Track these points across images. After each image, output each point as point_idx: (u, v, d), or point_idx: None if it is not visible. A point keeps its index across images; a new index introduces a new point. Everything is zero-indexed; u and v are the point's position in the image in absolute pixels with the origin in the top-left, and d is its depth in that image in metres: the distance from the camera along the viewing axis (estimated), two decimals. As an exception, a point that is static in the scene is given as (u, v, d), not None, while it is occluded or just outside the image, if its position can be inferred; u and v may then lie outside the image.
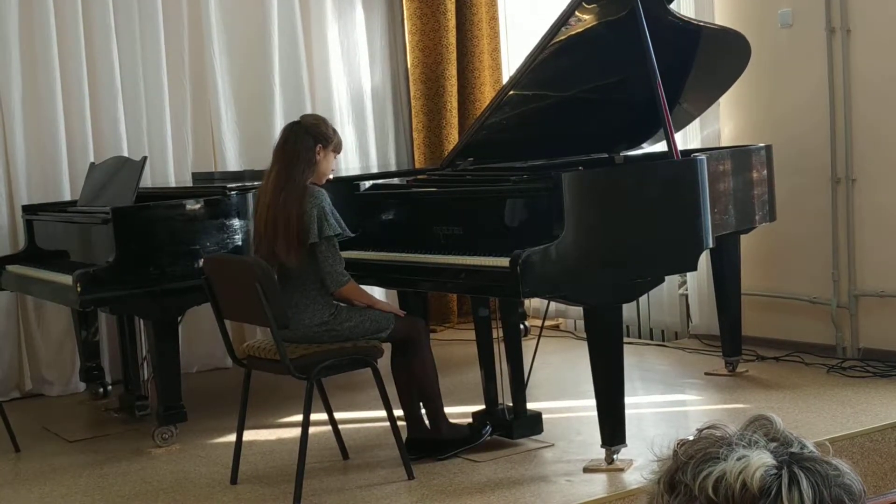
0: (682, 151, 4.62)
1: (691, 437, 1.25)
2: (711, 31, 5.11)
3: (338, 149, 4.36)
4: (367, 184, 5.05)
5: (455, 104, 7.35)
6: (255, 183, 5.25)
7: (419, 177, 5.38)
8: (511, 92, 4.65)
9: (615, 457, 4.10)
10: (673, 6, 4.72)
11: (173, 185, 6.23)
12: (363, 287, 4.37)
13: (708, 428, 1.24)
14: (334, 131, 4.36)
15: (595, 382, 4.11)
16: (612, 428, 4.09)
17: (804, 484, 1.14)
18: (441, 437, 4.38)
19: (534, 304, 7.08)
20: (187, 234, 4.87)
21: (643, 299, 6.44)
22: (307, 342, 4.18)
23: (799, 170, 5.73)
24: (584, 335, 4.33)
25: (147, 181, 5.83)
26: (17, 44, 5.93)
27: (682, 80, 5.04)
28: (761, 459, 1.15)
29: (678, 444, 1.24)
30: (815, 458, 1.19)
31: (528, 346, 4.90)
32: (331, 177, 4.41)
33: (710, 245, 4.37)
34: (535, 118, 4.89)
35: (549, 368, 5.77)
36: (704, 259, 5.32)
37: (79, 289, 4.60)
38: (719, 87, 5.38)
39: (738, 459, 1.16)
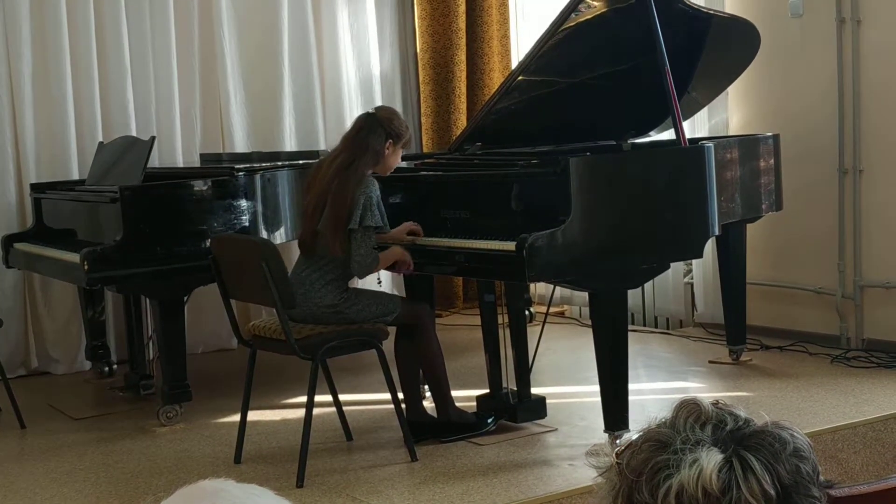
0: (689, 139, 4.62)
1: (626, 444, 1.24)
2: (721, 20, 5.10)
3: (407, 145, 4.40)
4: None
5: (464, 89, 7.35)
6: (264, 164, 5.28)
7: (427, 161, 5.38)
8: (520, 77, 4.65)
9: (618, 442, 4.10)
10: (683, -7, 4.72)
11: (181, 165, 6.24)
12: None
13: (641, 433, 1.24)
14: (406, 127, 4.38)
15: (599, 368, 4.11)
16: (616, 413, 4.10)
17: (757, 467, 1.16)
18: (448, 419, 4.40)
19: (539, 290, 7.09)
20: (195, 214, 4.88)
21: (648, 287, 6.45)
22: (313, 321, 4.19)
23: (806, 160, 5.73)
24: (589, 322, 4.33)
25: (155, 161, 5.84)
26: (28, 23, 5.94)
27: (692, 68, 5.04)
28: (712, 459, 1.16)
29: (617, 455, 1.23)
30: (755, 433, 1.20)
31: (532, 332, 4.92)
32: None
33: (717, 232, 4.38)
34: (543, 104, 4.89)
35: (554, 354, 5.78)
36: (710, 248, 5.32)
37: (86, 267, 4.62)
38: (728, 76, 5.37)
39: (691, 466, 1.16)
